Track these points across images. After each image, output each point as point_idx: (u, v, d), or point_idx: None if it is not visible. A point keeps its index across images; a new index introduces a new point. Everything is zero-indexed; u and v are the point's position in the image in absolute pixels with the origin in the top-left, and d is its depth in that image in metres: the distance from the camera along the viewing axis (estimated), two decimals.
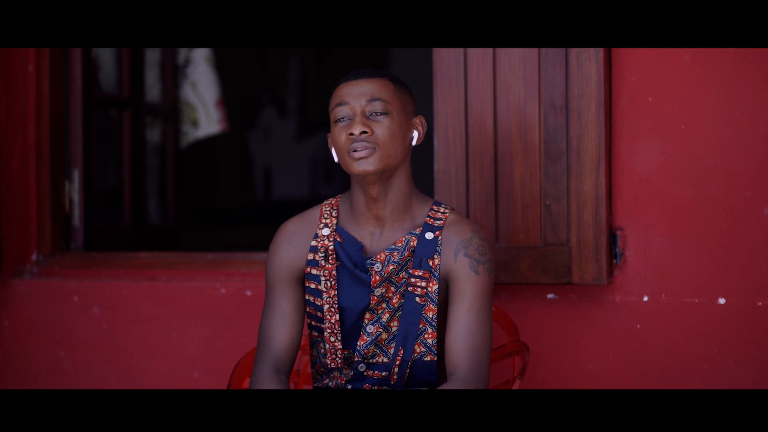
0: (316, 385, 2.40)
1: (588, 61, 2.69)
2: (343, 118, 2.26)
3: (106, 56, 4.77)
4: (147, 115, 5.34)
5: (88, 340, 3.35)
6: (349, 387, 2.33)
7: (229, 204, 7.45)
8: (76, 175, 3.68)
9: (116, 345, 3.32)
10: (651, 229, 2.70)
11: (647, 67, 2.70)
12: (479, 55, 2.79)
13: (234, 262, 3.27)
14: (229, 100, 7.43)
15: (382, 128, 2.24)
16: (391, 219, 2.31)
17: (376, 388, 2.31)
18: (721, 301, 2.65)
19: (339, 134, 2.26)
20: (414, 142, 2.33)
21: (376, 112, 2.25)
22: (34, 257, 3.49)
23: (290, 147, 7.64)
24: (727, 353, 2.65)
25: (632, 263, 2.72)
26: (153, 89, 5.54)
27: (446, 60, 2.82)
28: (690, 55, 2.66)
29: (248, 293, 3.15)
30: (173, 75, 5.76)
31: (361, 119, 2.24)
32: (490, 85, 2.78)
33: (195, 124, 7.32)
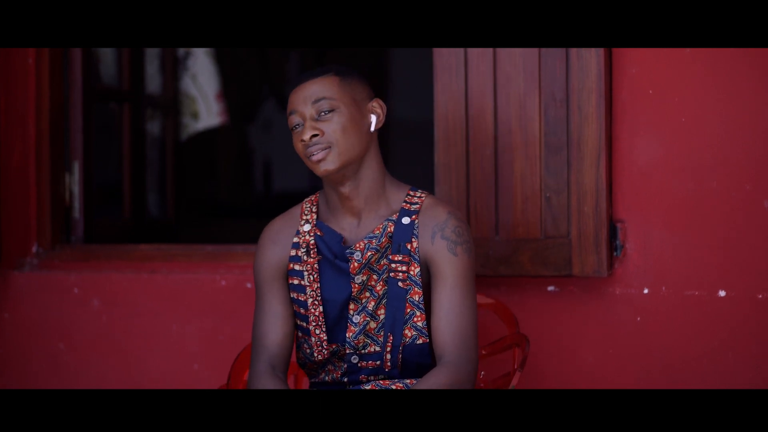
0: (312, 380, 2.41)
1: (588, 53, 2.68)
2: (296, 125, 2.30)
3: (106, 49, 4.77)
4: (147, 108, 5.34)
5: (87, 333, 3.35)
6: (345, 380, 2.33)
7: (229, 197, 7.45)
8: (76, 168, 3.67)
9: (116, 337, 3.32)
10: (651, 221, 2.70)
11: (648, 60, 2.70)
12: (479, 48, 2.78)
13: (234, 254, 3.26)
14: (229, 93, 7.42)
15: (331, 126, 2.25)
16: (366, 209, 2.33)
17: (372, 378, 2.31)
18: (722, 293, 2.65)
19: (295, 142, 2.30)
20: (373, 127, 2.32)
21: (323, 112, 2.26)
22: (34, 250, 3.49)
23: (290, 140, 7.62)
24: (727, 346, 2.65)
25: (632, 256, 2.72)
26: (153, 81, 5.53)
27: (446, 52, 2.81)
28: (690, 48, 2.66)
29: (248, 285, 3.15)
30: (173, 67, 5.76)
31: (310, 124, 2.26)
32: (490, 77, 2.78)
33: (195, 116, 7.32)
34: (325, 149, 2.25)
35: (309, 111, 2.27)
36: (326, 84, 2.28)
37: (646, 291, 2.71)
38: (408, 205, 2.33)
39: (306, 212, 2.38)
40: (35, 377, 3.40)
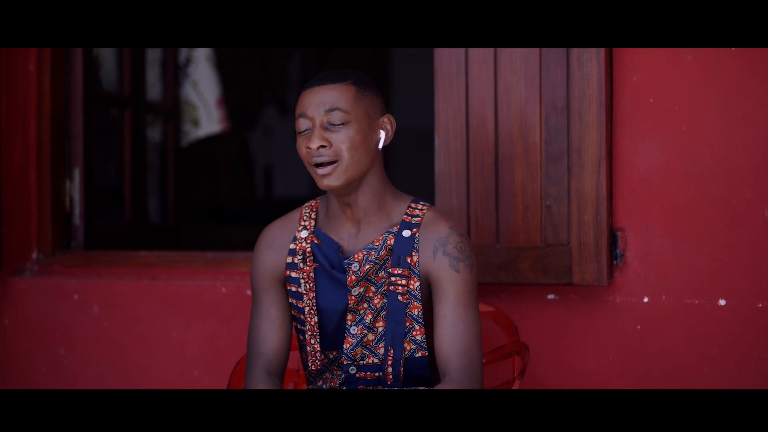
0: (310, 387, 2.40)
1: (589, 61, 2.68)
2: (305, 130, 2.24)
3: (107, 55, 4.77)
4: (148, 114, 5.35)
5: (88, 339, 3.35)
6: (344, 390, 2.32)
7: (230, 202, 7.45)
8: (77, 174, 3.67)
9: (116, 343, 3.32)
10: (651, 229, 2.70)
11: (648, 68, 2.70)
12: (480, 56, 2.79)
13: (234, 261, 3.27)
14: (229, 99, 7.43)
15: (340, 138, 2.21)
16: (365, 219, 2.30)
17: (371, 389, 2.30)
18: (722, 302, 2.65)
19: (300, 146, 2.24)
20: (381, 144, 2.28)
21: (334, 123, 2.22)
22: (34, 255, 3.49)
23: (291, 145, 7.63)
24: (727, 355, 2.65)
25: (633, 264, 2.72)
26: (154, 88, 5.54)
27: (447, 60, 2.82)
28: (691, 55, 2.66)
29: (248, 292, 3.15)
30: (174, 74, 5.76)
31: (319, 132, 2.21)
32: (491, 85, 2.78)
33: (196, 123, 7.31)
34: (331, 164, 2.21)
35: (320, 118, 2.22)
36: (342, 93, 2.23)
37: (646, 299, 2.72)
38: (409, 218, 2.30)
39: (305, 218, 2.35)
40: (36, 383, 3.40)
